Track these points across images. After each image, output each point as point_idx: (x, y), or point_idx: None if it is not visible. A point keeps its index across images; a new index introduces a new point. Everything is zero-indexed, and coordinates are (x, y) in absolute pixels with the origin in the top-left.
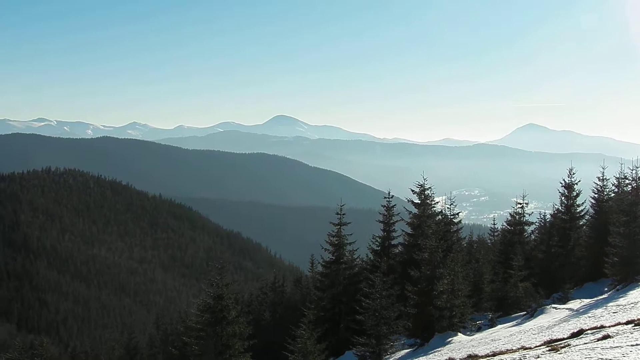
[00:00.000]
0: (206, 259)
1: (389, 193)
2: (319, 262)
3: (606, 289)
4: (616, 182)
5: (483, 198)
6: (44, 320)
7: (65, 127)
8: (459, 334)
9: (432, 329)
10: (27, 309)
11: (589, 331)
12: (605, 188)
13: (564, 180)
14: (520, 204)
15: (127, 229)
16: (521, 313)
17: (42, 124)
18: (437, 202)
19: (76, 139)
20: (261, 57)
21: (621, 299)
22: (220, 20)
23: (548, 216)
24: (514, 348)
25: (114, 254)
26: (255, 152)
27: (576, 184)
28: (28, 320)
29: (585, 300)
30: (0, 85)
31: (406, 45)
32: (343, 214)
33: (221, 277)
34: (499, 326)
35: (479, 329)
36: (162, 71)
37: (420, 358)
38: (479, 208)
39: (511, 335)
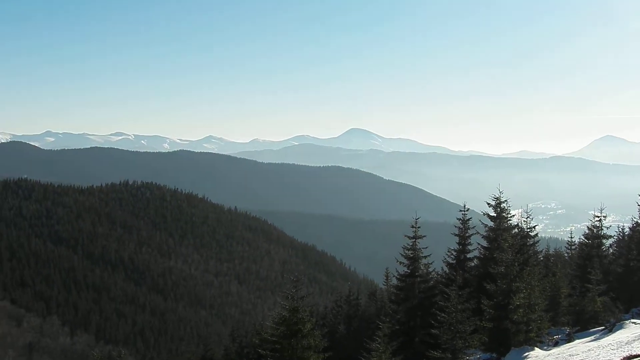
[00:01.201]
0: (281, 272)
1: (464, 206)
2: (393, 275)
3: None
4: None
5: (560, 211)
6: (122, 332)
7: (142, 141)
8: (536, 348)
9: (508, 343)
10: (105, 320)
11: None
12: None
13: None
14: (598, 217)
15: (203, 241)
16: (599, 328)
17: (120, 137)
18: (513, 215)
19: (153, 152)
20: (335, 71)
21: None
22: (298, 33)
23: (627, 229)
24: None
25: (190, 266)
26: (329, 165)
27: None
28: (106, 332)
29: None
30: (80, 100)
31: (482, 59)
32: (418, 227)
33: (296, 290)
34: (577, 341)
35: (556, 344)
36: (238, 85)
37: None
38: (555, 221)
39: (589, 350)
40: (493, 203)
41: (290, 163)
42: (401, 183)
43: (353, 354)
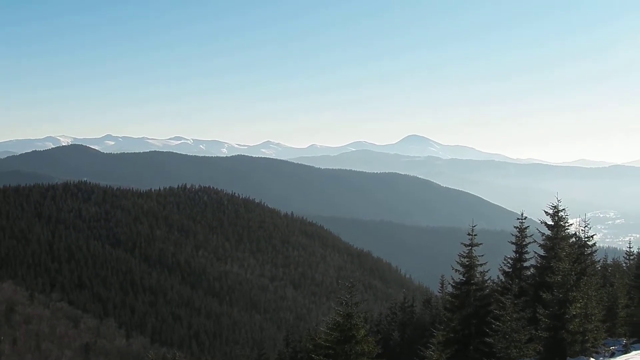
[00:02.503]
0: (336, 278)
1: (522, 214)
2: (449, 283)
3: None
4: None
5: (619, 220)
6: (177, 335)
7: (201, 146)
8: (592, 359)
9: (564, 353)
10: (161, 322)
11: None
12: None
13: None
14: None
15: (259, 246)
16: None
17: (179, 142)
18: (571, 224)
19: (211, 157)
20: (395, 79)
21: None
22: (355, 30)
23: None
24: None
25: (246, 270)
26: (386, 171)
27: None
28: (162, 334)
29: None
30: (140, 104)
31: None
32: (475, 235)
33: (351, 296)
34: (633, 352)
35: (613, 355)
36: (296, 90)
37: None
38: (614, 231)
39: None
40: (551, 211)
41: (347, 169)
42: (458, 190)
43: None
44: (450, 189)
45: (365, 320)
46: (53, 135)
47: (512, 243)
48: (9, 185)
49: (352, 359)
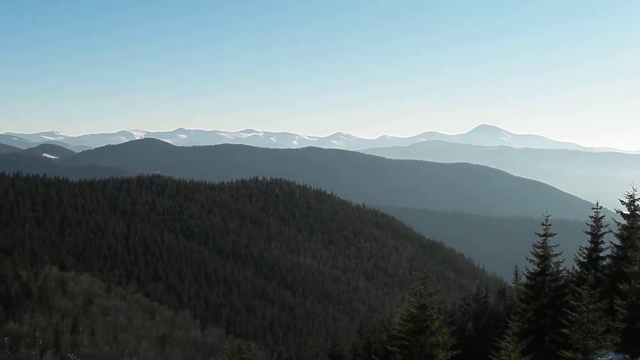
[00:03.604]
0: (409, 269)
1: (597, 204)
2: (523, 274)
3: None
4: None
5: None
6: (251, 326)
7: (272, 138)
8: None
9: None
10: (235, 314)
11: None
12: None
13: None
14: None
15: (332, 237)
16: None
17: (250, 134)
18: None
19: (282, 149)
20: (464, 64)
21: None
22: (427, 18)
23: None
24: None
25: (319, 262)
26: (458, 162)
27: None
28: (236, 325)
29: None
30: (211, 98)
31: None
32: (549, 225)
33: (425, 287)
34: None
35: None
36: (366, 82)
37: None
38: None
39: None
40: (626, 200)
41: (418, 160)
42: (531, 180)
43: (481, 352)
44: (522, 178)
45: (439, 312)
46: (126, 130)
47: (587, 233)
48: (85, 179)
49: (427, 350)
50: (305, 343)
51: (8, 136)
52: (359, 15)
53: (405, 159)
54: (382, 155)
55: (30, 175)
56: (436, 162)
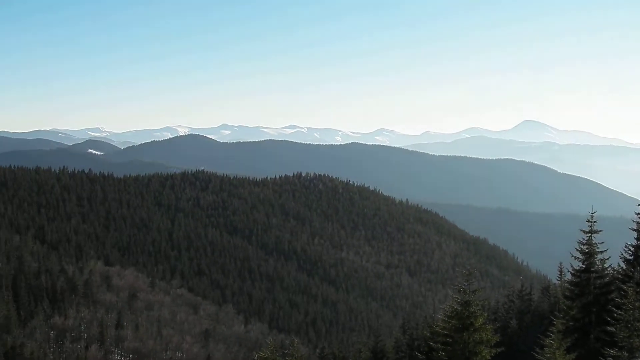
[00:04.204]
0: (452, 265)
1: None
2: (568, 271)
3: None
4: None
5: None
6: (294, 321)
7: (315, 134)
8: None
9: None
10: (278, 309)
11: None
12: None
13: None
14: None
15: (375, 233)
16: None
17: (294, 130)
18: None
19: (326, 145)
20: (508, 60)
21: None
22: (474, 17)
23: None
24: None
25: (362, 257)
26: (502, 157)
27: None
28: (279, 321)
29: None
30: (255, 94)
31: None
32: (594, 222)
33: (468, 284)
34: None
35: None
36: (408, 78)
37: None
38: None
39: None
40: None
41: (462, 156)
42: (576, 176)
43: (525, 350)
44: (567, 175)
45: (483, 308)
46: (171, 126)
47: (634, 230)
48: (129, 174)
49: (471, 347)
50: (348, 339)
51: (54, 132)
52: (414, 12)
53: (448, 155)
54: (425, 152)
55: (76, 171)
56: (480, 159)
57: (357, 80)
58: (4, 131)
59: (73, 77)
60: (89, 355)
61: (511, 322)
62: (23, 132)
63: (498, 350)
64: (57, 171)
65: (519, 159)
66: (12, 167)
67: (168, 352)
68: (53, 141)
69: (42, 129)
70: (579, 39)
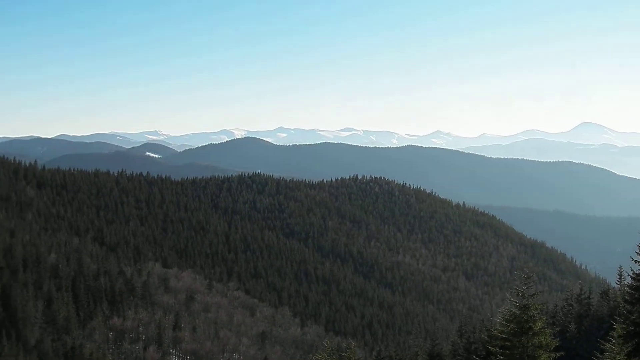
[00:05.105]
0: (509, 268)
1: None
2: (628, 275)
3: None
4: None
5: None
6: (350, 324)
7: (371, 137)
8: None
9: None
10: (335, 312)
11: None
12: None
13: None
14: None
15: (431, 236)
16: None
17: (350, 133)
18: None
19: (382, 148)
20: (567, 60)
21: None
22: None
23: None
24: None
25: (418, 261)
26: (559, 160)
27: None
28: (335, 323)
29: None
30: (311, 97)
31: None
32: None
33: (527, 287)
34: None
35: None
36: (465, 80)
37: None
38: None
39: None
40: None
41: (519, 158)
42: (635, 179)
43: (584, 354)
44: (627, 177)
45: (541, 312)
46: (228, 129)
47: None
48: (186, 177)
49: (530, 351)
50: (405, 342)
51: (112, 135)
52: (462, 16)
53: (505, 157)
54: (482, 154)
55: (134, 174)
56: (537, 161)
57: (414, 82)
58: (64, 134)
59: (131, 83)
60: (147, 356)
61: (570, 326)
62: (82, 136)
63: (557, 354)
64: (116, 174)
65: (577, 161)
66: (72, 170)
67: (225, 354)
68: (111, 144)
69: (101, 132)
70: (637, 35)
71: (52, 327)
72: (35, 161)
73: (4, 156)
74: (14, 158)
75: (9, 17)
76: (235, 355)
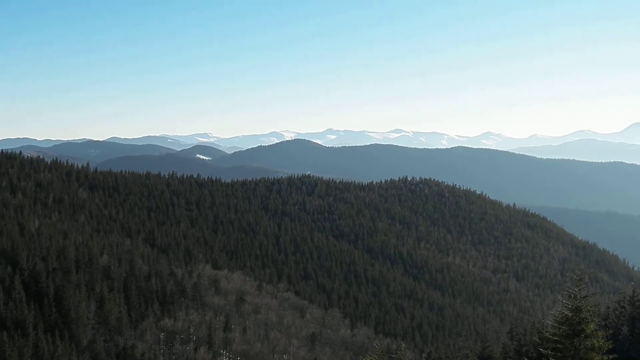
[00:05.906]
0: (561, 270)
1: None
2: None
3: None
4: None
5: None
6: (400, 325)
7: (421, 138)
8: None
9: None
10: (384, 313)
11: None
12: None
13: None
14: None
15: (481, 238)
16: None
17: (399, 135)
18: None
19: (431, 149)
20: (615, 62)
21: None
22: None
23: None
24: None
25: (468, 262)
26: (611, 161)
27: None
28: (385, 325)
29: None
30: (360, 98)
31: None
32: None
33: (579, 289)
34: None
35: None
36: (514, 78)
37: None
38: None
39: None
40: None
41: (570, 159)
42: None
43: (637, 357)
44: None
45: (593, 314)
46: (277, 131)
47: None
48: (236, 179)
49: (582, 354)
50: (455, 344)
51: (163, 138)
52: (515, 18)
53: (556, 158)
54: (532, 155)
55: (185, 176)
56: (589, 162)
57: (464, 83)
58: (115, 137)
59: (181, 86)
60: (198, 357)
61: (622, 328)
62: (133, 138)
63: (610, 357)
64: (167, 176)
65: (629, 162)
66: (123, 172)
67: (275, 355)
68: (162, 147)
69: (152, 134)
70: None
71: (104, 327)
72: (88, 163)
73: (57, 159)
74: (67, 161)
75: (68, 16)
76: (285, 357)
